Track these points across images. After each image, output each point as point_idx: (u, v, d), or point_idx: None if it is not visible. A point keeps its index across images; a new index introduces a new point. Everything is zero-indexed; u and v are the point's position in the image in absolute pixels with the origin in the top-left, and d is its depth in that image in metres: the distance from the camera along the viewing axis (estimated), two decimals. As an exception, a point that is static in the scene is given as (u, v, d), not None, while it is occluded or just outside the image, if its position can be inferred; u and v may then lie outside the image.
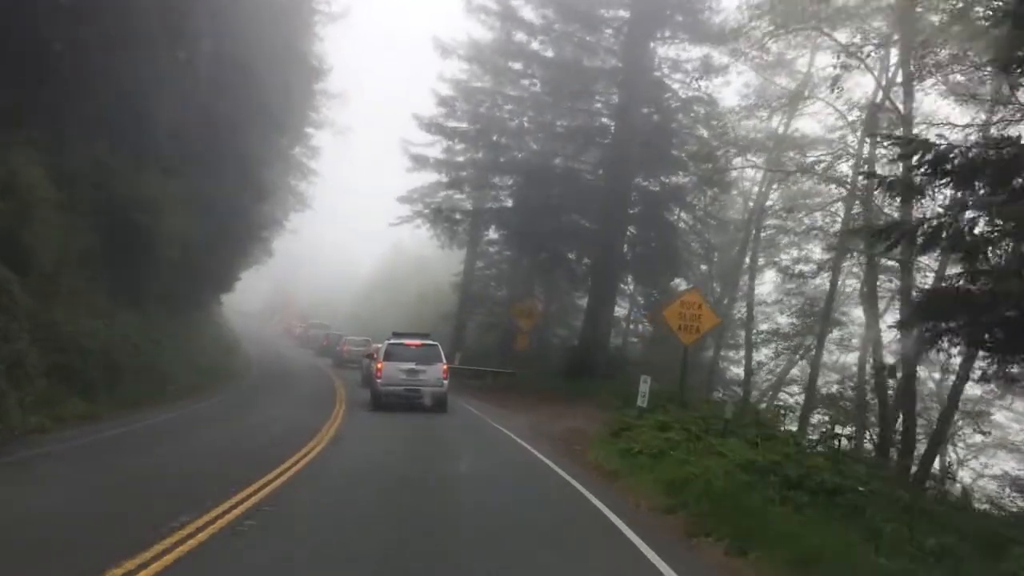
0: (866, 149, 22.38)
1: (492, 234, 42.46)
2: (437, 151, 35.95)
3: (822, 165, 22.22)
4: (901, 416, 19.05)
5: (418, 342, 20.56)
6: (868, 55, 20.69)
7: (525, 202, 32.45)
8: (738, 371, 41.08)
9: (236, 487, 8.55)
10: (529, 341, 31.76)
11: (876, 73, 20.95)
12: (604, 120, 32.33)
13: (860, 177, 21.43)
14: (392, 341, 20.63)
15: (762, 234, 30.86)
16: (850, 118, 22.77)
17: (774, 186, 29.13)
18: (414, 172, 40.91)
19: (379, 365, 19.89)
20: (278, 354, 45.71)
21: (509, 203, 32.73)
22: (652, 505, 8.93)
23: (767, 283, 40.33)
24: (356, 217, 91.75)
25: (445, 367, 20.06)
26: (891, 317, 22.12)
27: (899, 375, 16.22)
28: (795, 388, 35.49)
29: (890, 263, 21.10)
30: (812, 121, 25.78)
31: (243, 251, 36.46)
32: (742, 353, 40.79)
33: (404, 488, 9.85)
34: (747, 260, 32.31)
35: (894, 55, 21.28)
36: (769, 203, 29.54)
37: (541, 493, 10.25)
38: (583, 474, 11.32)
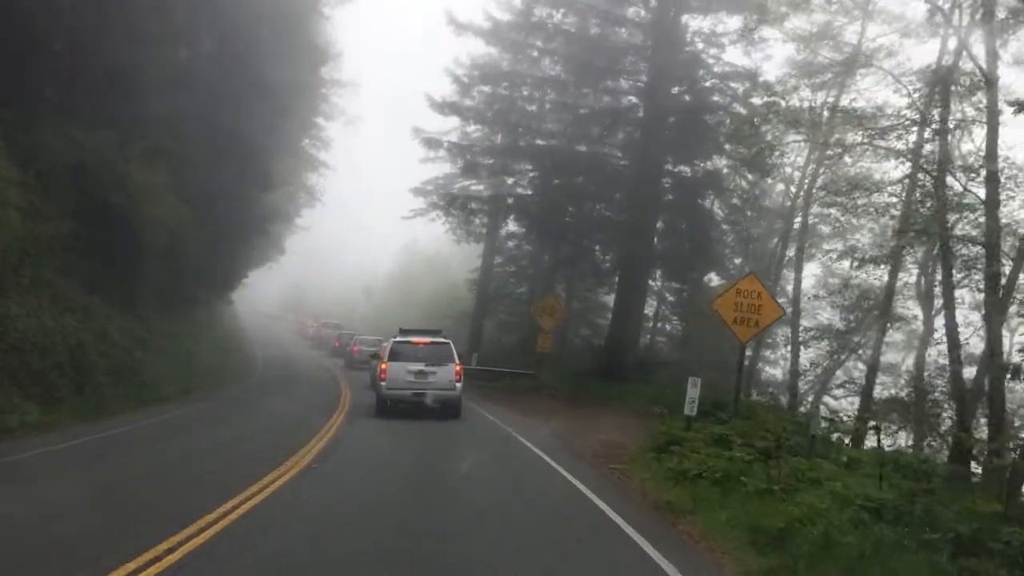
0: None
1: (511, 227, 40.00)
2: (452, 138, 33.70)
3: (885, 139, 19.49)
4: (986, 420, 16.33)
5: (427, 340, 18.16)
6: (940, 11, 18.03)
7: (546, 190, 29.97)
8: (774, 372, 38.41)
9: (142, 540, 6.14)
10: (552, 341, 29.24)
11: (951, 29, 18.25)
12: (632, 100, 29.78)
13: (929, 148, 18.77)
14: (398, 339, 18.24)
15: (809, 220, 28.08)
16: (913, 87, 20.05)
17: (821, 170, 26.38)
18: (428, 162, 38.67)
19: (383, 366, 17.50)
20: (287, 355, 43.51)
21: (529, 192, 30.20)
22: (742, 567, 6.28)
23: (808, 277, 37.66)
24: (372, 214, 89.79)
25: (458, 368, 17.64)
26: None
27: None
28: (838, 392, 32.67)
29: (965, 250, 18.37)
30: (868, 94, 22.96)
31: (247, 245, 34.24)
32: (779, 353, 38.16)
33: (392, 553, 6.65)
34: (789, 252, 29.55)
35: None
36: (815, 187, 26.79)
37: (584, 547, 7.26)
38: (632, 510, 8.68)
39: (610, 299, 41.47)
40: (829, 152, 23.05)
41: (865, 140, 20.24)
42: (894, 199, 21.04)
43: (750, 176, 27.46)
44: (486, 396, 24.88)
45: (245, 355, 40.18)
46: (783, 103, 20.14)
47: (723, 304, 14.22)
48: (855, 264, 22.38)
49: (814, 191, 25.73)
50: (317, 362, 41.22)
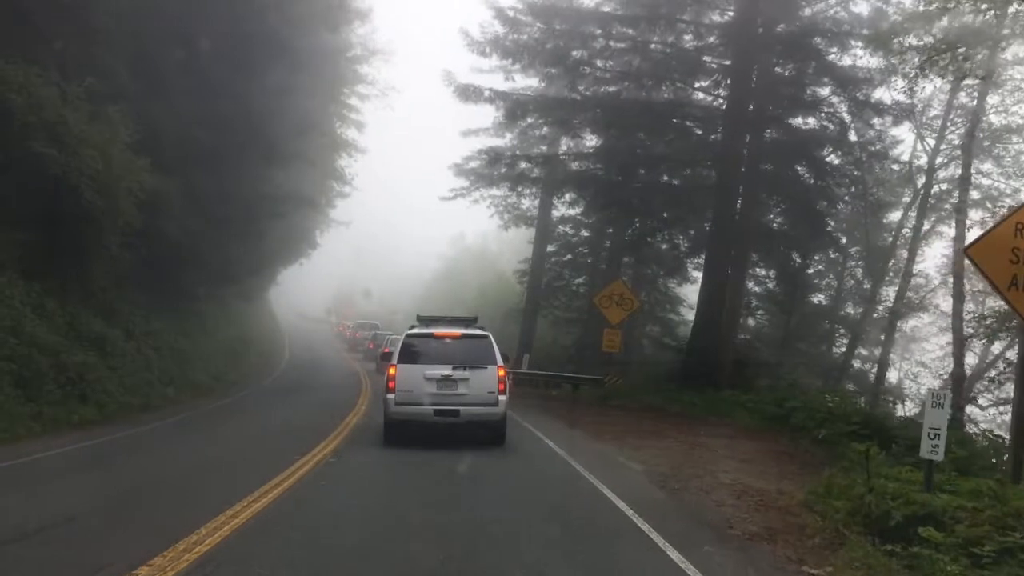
0: None
1: (565, 207, 34.34)
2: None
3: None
4: None
5: (456, 332, 12.54)
6: None
7: (611, 152, 24.12)
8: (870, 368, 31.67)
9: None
10: (622, 339, 23.36)
11: None
12: (714, 42, 23.64)
13: None
14: (414, 331, 12.67)
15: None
16: None
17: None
18: (471, 136, 33.20)
19: (391, 371, 11.91)
20: (313, 360, 38.44)
21: (590, 150, 24.35)
22: None
23: (928, 258, 30.91)
24: (418, 211, 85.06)
25: (503, 372, 11.98)
26: None
27: None
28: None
29: None
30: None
31: (258, 230, 29.07)
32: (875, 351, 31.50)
33: None
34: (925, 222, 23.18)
35: None
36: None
37: None
38: None
39: (683, 291, 35.44)
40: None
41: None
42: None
43: (878, 122, 21.01)
44: (540, 409, 19.20)
45: (264, 358, 35.25)
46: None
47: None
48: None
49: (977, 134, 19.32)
50: (347, 366, 36.02)
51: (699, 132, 24.35)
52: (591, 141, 26.63)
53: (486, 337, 12.41)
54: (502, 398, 11.83)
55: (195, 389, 21.02)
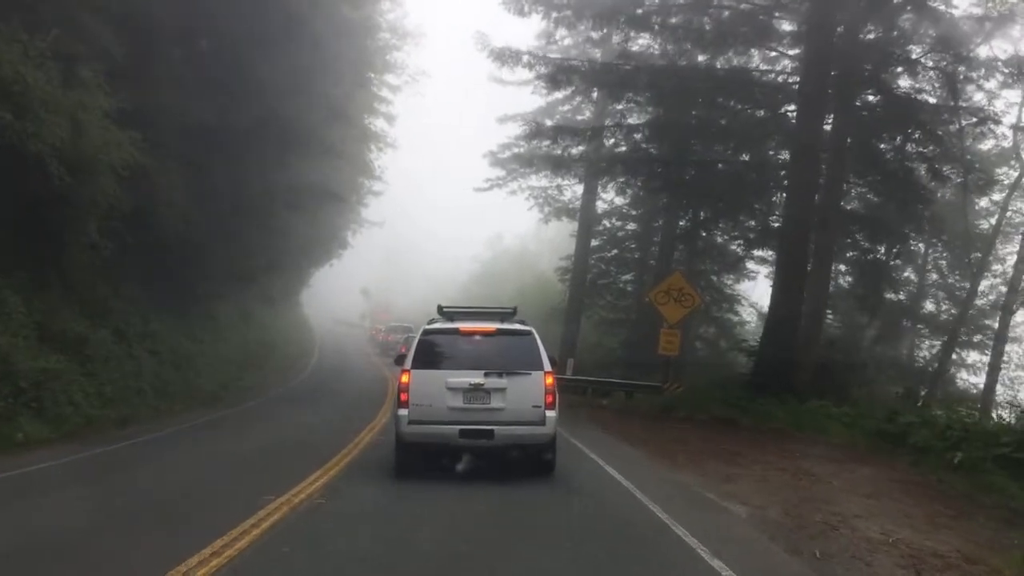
0: None
1: (611, 198, 31.42)
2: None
3: None
4: None
5: (490, 327, 9.66)
6: None
7: (665, 127, 21.07)
8: (974, 379, 28.01)
9: None
10: (681, 339, 20.29)
11: None
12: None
13: None
14: (434, 326, 9.84)
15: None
16: None
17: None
18: (507, 122, 30.43)
19: (403, 378, 9.09)
20: (341, 365, 35.94)
21: (640, 122, 21.31)
22: None
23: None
24: (451, 209, 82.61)
25: (551, 378, 9.08)
26: None
27: None
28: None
29: None
30: None
31: (273, 222, 26.53)
32: (977, 356, 27.93)
33: None
34: None
35: None
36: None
37: None
38: None
39: (742, 287, 32.23)
40: None
41: None
42: None
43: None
44: (591, 422, 16.26)
45: (288, 363, 32.84)
46: None
47: None
48: None
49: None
50: (374, 371, 33.41)
51: (768, 104, 21.15)
52: (638, 119, 23.60)
53: (529, 334, 9.49)
54: (550, 414, 8.91)
55: (195, 398, 18.49)
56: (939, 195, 22.61)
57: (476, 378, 8.86)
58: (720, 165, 22.76)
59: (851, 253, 23.35)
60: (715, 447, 12.76)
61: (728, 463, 11.09)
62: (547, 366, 9.09)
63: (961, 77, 17.21)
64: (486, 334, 9.45)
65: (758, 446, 13.13)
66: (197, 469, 10.02)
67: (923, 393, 21.28)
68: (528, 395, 8.91)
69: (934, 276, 29.01)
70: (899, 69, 19.09)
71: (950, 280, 28.67)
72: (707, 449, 12.50)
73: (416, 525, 6.96)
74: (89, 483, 8.87)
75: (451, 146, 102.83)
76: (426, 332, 9.54)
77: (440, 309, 10.45)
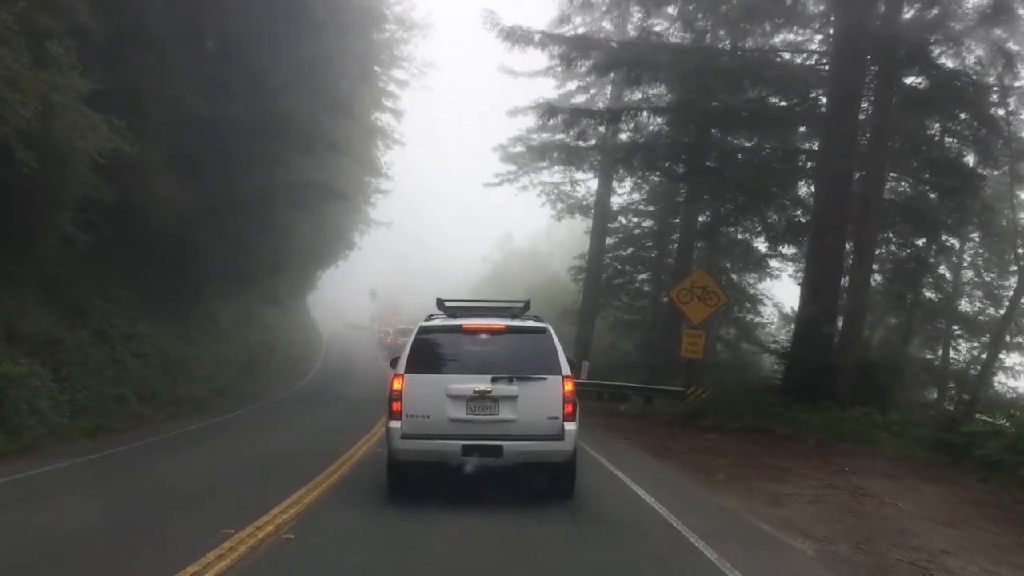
0: None
1: (627, 194, 30.07)
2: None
3: None
4: None
5: (499, 324, 8.25)
6: None
7: (689, 109, 19.62)
8: (1012, 383, 26.30)
9: None
10: (706, 341, 18.82)
11: None
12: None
13: None
14: (431, 323, 8.45)
15: None
16: None
17: None
18: (517, 115, 29.02)
19: (395, 384, 7.74)
20: (345, 368, 34.69)
21: (661, 105, 19.87)
22: None
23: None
24: (462, 207, 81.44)
25: (570, 385, 7.69)
26: None
27: None
28: None
29: None
30: None
31: (273, 219, 25.26)
32: (1018, 358, 26.28)
33: None
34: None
35: None
36: None
37: None
38: None
39: (764, 287, 30.72)
40: None
41: None
42: None
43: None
44: (611, 431, 14.86)
45: (291, 366, 31.62)
46: None
47: None
48: None
49: None
50: (379, 375, 32.05)
51: (797, 88, 19.68)
52: (658, 104, 22.19)
53: (544, 331, 8.10)
54: (570, 427, 7.52)
55: (182, 405, 17.22)
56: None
57: (482, 384, 7.48)
58: (742, 153, 21.36)
59: (879, 250, 21.86)
60: (754, 460, 11.32)
61: (773, 481, 9.66)
62: (566, 370, 7.70)
63: (1017, 52, 15.64)
64: (494, 332, 8.06)
65: (801, 459, 11.67)
66: (154, 490, 8.64)
67: (966, 398, 19.71)
68: (544, 404, 7.52)
69: (970, 273, 27.39)
70: (938, 49, 17.57)
71: (986, 277, 27.03)
72: (744, 463, 11.06)
73: (403, 573, 5.57)
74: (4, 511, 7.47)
75: (456, 141, 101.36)
76: (423, 330, 8.15)
77: (440, 303, 9.05)
